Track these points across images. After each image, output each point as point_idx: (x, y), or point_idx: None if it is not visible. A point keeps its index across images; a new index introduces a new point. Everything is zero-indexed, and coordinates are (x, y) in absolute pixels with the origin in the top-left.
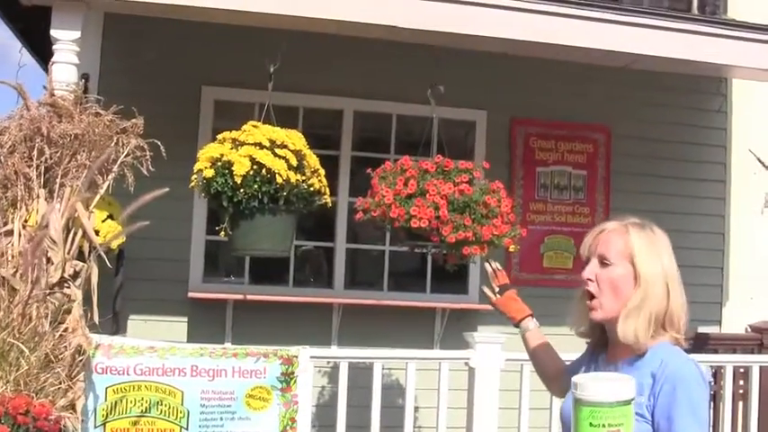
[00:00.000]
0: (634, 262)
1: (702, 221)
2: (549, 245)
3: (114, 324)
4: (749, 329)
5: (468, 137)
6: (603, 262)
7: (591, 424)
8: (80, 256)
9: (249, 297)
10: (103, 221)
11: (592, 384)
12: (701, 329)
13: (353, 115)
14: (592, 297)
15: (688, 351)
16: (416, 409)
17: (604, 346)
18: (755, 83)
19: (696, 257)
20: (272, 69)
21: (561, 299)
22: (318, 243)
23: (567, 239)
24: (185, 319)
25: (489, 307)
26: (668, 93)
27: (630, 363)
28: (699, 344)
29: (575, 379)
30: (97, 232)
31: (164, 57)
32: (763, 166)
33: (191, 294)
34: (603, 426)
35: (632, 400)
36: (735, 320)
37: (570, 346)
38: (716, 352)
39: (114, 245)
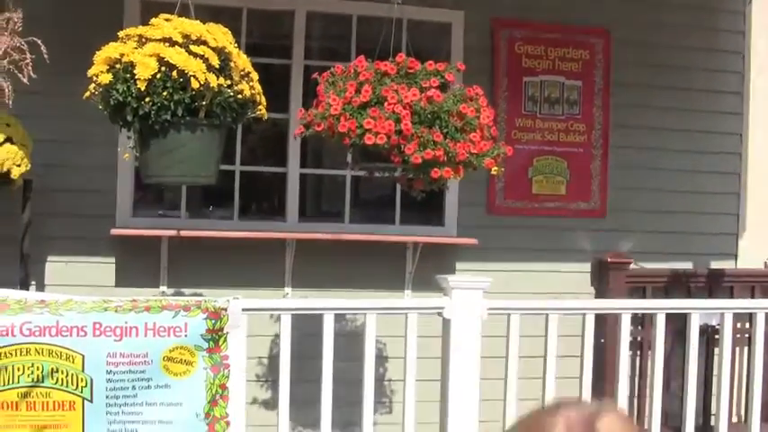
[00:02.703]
0: None
1: (716, 140)
2: (539, 168)
3: (23, 270)
4: None
5: (441, 43)
6: None
7: None
8: None
9: (185, 233)
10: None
11: None
12: (715, 265)
13: (306, 16)
14: None
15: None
16: (385, 359)
17: None
18: None
19: (708, 182)
20: None
21: (553, 230)
22: (267, 168)
23: (560, 161)
24: (113, 260)
25: (470, 241)
26: None
27: None
28: (712, 282)
29: None
30: None
31: None
32: None
33: (117, 231)
34: None
35: None
36: (752, 254)
37: (561, 283)
38: (731, 291)
39: (16, 174)
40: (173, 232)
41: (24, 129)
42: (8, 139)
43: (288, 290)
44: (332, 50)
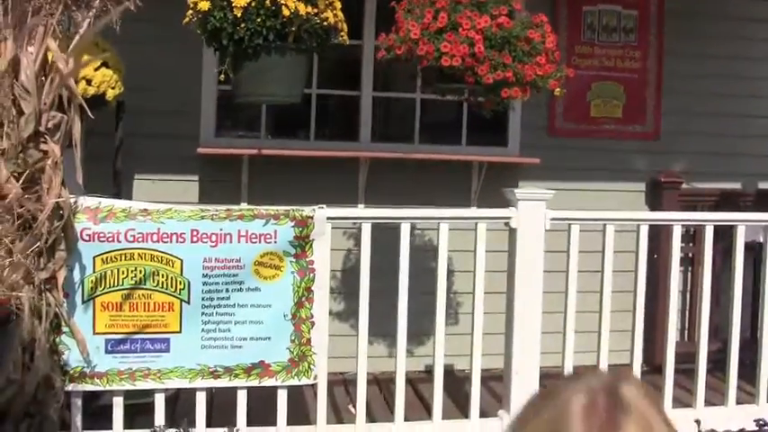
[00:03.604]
0: None
1: (761, 66)
2: (597, 92)
3: (115, 185)
4: None
5: None
6: None
7: None
8: (61, 107)
9: (265, 152)
10: (97, 69)
11: None
12: (762, 185)
13: None
14: None
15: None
16: (452, 272)
17: None
18: None
19: (752, 105)
20: None
21: (610, 151)
22: (342, 91)
23: (617, 86)
24: (196, 178)
25: (532, 160)
26: None
27: None
28: (760, 200)
29: None
30: (90, 81)
31: None
32: None
33: (201, 150)
34: None
35: None
36: None
37: (617, 202)
38: None
39: (111, 96)
40: (254, 151)
41: (118, 54)
42: (104, 64)
43: (361, 206)
44: None
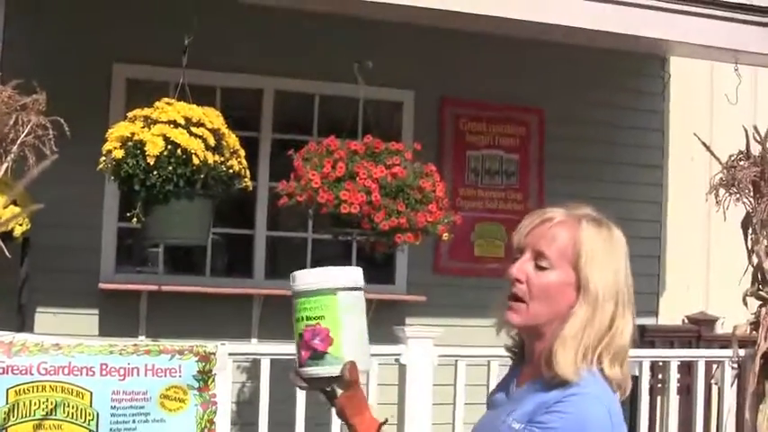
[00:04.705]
0: (579, 269)
1: (639, 208)
2: (480, 232)
3: (20, 318)
4: (686, 321)
5: (394, 119)
6: (539, 264)
7: (296, 319)
8: None
9: (164, 288)
10: (5, 207)
11: (300, 274)
12: (638, 322)
13: (274, 95)
14: (516, 298)
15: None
16: None
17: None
18: (693, 66)
19: (632, 246)
20: (186, 43)
21: (493, 289)
22: (237, 230)
23: (499, 226)
24: (96, 312)
25: (419, 298)
26: (605, 75)
27: (535, 385)
28: (636, 337)
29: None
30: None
31: (72, 32)
32: (709, 151)
33: (102, 285)
34: (303, 319)
35: (339, 289)
36: (671, 311)
37: (500, 337)
38: (653, 345)
39: (18, 232)
40: (153, 287)
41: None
42: (13, 202)
43: (254, 341)
44: (295, 123)
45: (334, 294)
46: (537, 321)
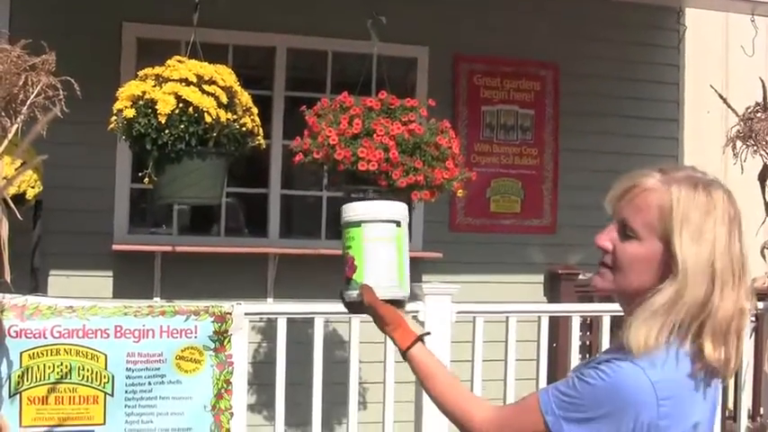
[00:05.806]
0: (668, 242)
1: (655, 162)
2: (496, 188)
3: (33, 281)
4: None
5: (408, 75)
6: (627, 233)
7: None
8: None
9: (178, 249)
10: (17, 169)
11: (344, 207)
12: None
13: (287, 53)
14: (604, 264)
15: None
16: (364, 362)
17: None
18: (708, 18)
19: None
20: (197, 0)
21: (509, 245)
22: (251, 189)
23: (515, 182)
24: (110, 274)
25: (435, 254)
26: (619, 28)
27: (612, 343)
28: None
29: None
30: (12, 182)
31: None
32: (726, 103)
33: (115, 247)
34: (343, 247)
35: (365, 222)
36: None
37: (516, 293)
38: None
39: (30, 195)
40: (167, 248)
41: (37, 153)
42: (24, 164)
43: (270, 300)
44: (308, 80)
45: (359, 226)
46: (622, 290)
